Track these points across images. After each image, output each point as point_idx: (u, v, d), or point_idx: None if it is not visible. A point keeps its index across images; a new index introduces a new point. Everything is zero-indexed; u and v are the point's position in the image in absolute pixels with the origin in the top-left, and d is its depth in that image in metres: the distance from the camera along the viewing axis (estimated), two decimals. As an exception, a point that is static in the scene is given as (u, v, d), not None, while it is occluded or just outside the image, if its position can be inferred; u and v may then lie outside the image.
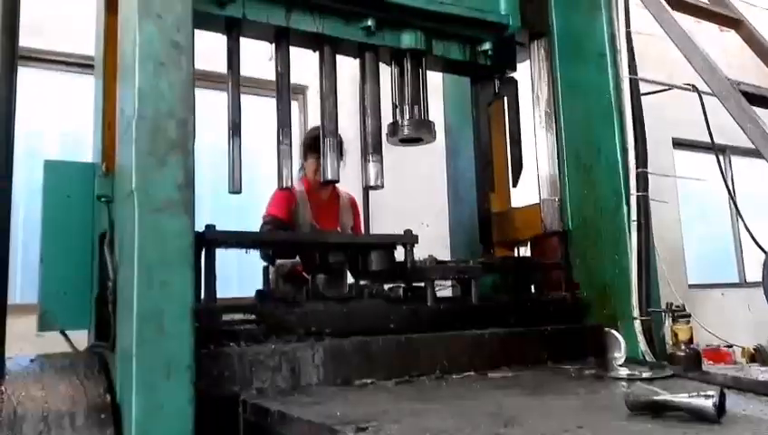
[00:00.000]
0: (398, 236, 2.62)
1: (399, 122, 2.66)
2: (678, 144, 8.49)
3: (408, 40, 2.61)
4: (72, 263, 2.22)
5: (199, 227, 1.94)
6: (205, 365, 1.72)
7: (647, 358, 2.29)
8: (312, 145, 3.45)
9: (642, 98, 2.54)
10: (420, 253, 2.55)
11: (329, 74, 2.56)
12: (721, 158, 8.45)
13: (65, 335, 2.29)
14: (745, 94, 1.98)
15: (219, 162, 2.64)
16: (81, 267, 2.21)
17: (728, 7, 2.67)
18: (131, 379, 1.53)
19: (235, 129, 2.39)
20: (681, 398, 1.37)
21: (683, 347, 2.16)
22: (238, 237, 2.33)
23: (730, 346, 6.03)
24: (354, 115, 2.74)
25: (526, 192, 3.06)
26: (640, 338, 2.32)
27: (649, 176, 2.45)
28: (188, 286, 1.63)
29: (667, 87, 2.68)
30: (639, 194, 2.42)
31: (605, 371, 2.05)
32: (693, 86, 2.59)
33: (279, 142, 2.46)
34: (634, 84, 2.50)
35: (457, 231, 3.38)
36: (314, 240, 2.62)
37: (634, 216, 2.41)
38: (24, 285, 4.79)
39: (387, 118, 2.70)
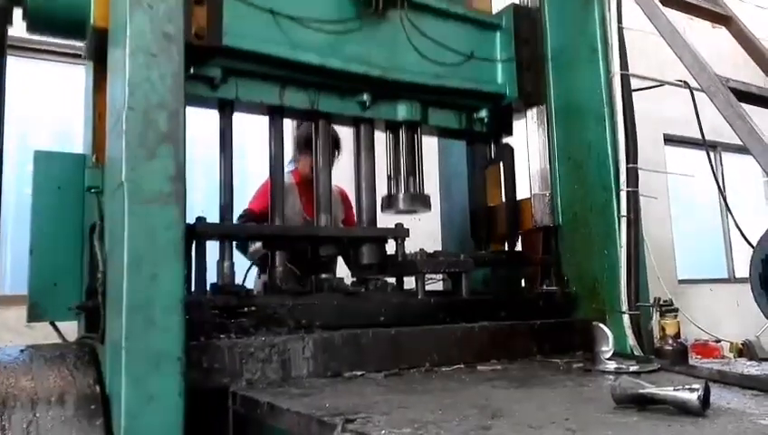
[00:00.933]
0: (389, 230, 2.63)
1: (395, 195, 2.68)
2: (669, 140, 8.53)
3: (403, 112, 2.62)
4: (61, 254, 2.22)
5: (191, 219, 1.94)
6: (195, 357, 1.72)
7: (635, 352, 2.31)
8: (307, 143, 3.44)
9: (633, 94, 2.55)
10: (411, 247, 2.56)
11: (323, 147, 2.54)
12: (711, 154, 8.51)
13: (55, 326, 2.29)
14: (734, 91, 1.99)
15: (211, 156, 2.63)
16: (71, 259, 2.20)
17: (718, 4, 2.69)
18: (121, 370, 1.53)
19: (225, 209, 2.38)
20: (666, 391, 1.39)
21: (670, 341, 2.19)
22: (229, 230, 2.33)
23: (718, 341, 6.09)
24: (350, 180, 2.74)
25: (518, 187, 3.07)
26: (629, 332, 2.34)
27: (639, 172, 2.47)
28: (178, 278, 1.63)
29: (658, 83, 2.69)
30: (629, 189, 2.44)
31: (593, 364, 2.07)
32: (684, 82, 2.60)
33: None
34: (625, 80, 2.51)
35: (448, 226, 3.39)
36: (305, 233, 2.62)
37: (624, 211, 2.43)
38: (13, 275, 4.78)
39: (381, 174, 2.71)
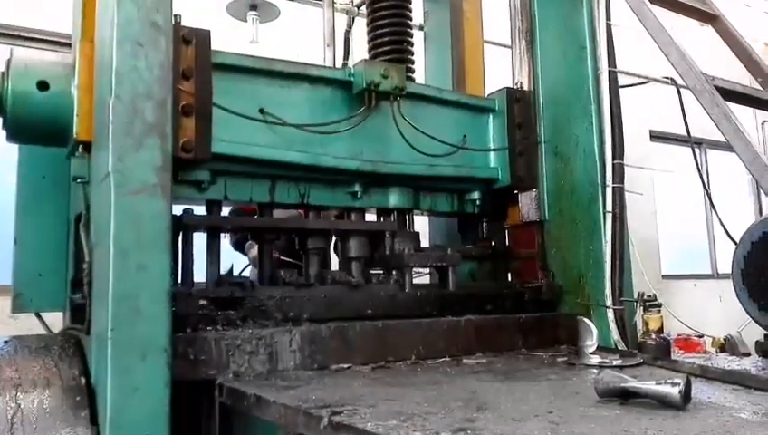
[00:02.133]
0: (378, 224, 2.63)
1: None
2: (655, 137, 8.60)
3: (395, 200, 2.59)
4: (46, 244, 2.20)
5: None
6: (181, 348, 1.72)
7: (618, 346, 2.33)
8: None
9: (620, 90, 2.56)
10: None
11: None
12: (697, 151, 8.59)
13: (40, 317, 2.28)
14: (720, 89, 2.02)
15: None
16: (57, 249, 2.19)
17: (705, 3, 2.71)
18: (107, 361, 1.53)
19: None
20: (649, 385, 1.41)
21: (653, 336, 2.21)
22: (216, 222, 2.32)
23: (701, 336, 6.16)
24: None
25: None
26: (613, 327, 2.37)
27: (625, 167, 2.49)
28: (165, 270, 1.63)
29: (645, 80, 2.72)
30: (615, 185, 2.45)
31: (577, 358, 2.09)
32: (671, 79, 2.62)
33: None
34: (612, 77, 2.52)
35: (436, 220, 3.40)
36: (294, 226, 2.62)
37: (609, 206, 2.44)
38: (-3, 266, 4.71)
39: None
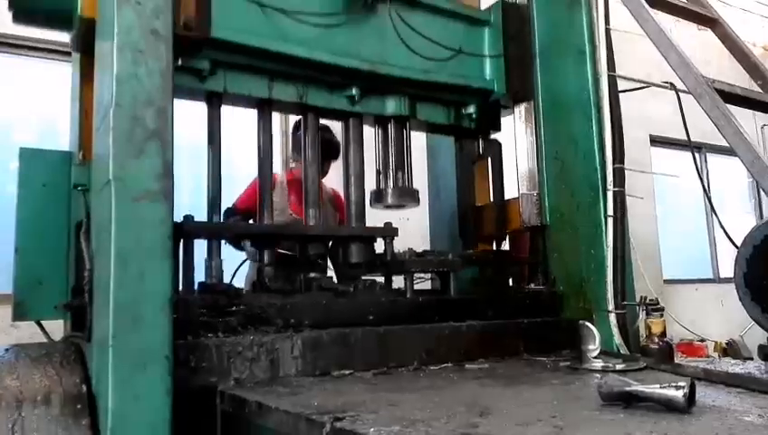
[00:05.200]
0: (378, 229, 2.63)
1: (384, 190, 2.69)
2: (655, 141, 8.60)
3: (392, 107, 2.63)
4: (47, 252, 2.19)
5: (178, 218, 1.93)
6: (182, 356, 1.71)
7: (621, 351, 2.33)
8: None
9: (621, 95, 2.57)
10: (400, 246, 2.56)
11: (312, 143, 2.53)
12: (697, 155, 8.59)
13: (41, 325, 2.27)
14: (720, 92, 2.01)
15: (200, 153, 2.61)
16: (57, 257, 2.18)
17: (705, 6, 2.71)
18: (108, 369, 1.52)
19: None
20: (652, 389, 1.41)
21: (656, 340, 2.21)
22: (217, 229, 2.32)
23: (703, 340, 6.16)
24: (340, 176, 2.74)
25: (506, 188, 3.08)
26: (615, 331, 2.36)
27: (626, 172, 2.49)
28: (166, 277, 1.62)
29: (645, 84, 2.72)
30: (616, 189, 2.45)
31: (580, 363, 2.08)
32: (671, 84, 2.63)
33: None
34: (612, 81, 2.53)
35: (437, 225, 3.40)
36: (294, 232, 2.61)
37: (610, 211, 2.44)
38: (-2, 274, 4.71)
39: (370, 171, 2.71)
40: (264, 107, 2.45)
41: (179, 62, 2.08)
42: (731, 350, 6.97)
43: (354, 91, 2.50)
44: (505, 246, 3.04)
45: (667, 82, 2.60)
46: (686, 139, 2.55)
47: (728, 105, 1.98)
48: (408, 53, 2.54)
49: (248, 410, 1.59)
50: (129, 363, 1.53)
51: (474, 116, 2.83)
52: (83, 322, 1.86)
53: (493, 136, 3.06)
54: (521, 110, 2.87)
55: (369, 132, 2.74)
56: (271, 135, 2.49)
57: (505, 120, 3.03)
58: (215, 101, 2.34)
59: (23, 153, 2.23)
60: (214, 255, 2.25)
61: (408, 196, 2.68)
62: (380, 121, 2.70)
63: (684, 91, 2.44)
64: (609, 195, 2.45)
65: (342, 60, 2.40)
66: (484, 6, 3.04)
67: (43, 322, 2.27)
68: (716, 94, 1.98)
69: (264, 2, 2.24)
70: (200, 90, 2.27)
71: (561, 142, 2.67)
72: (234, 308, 2.03)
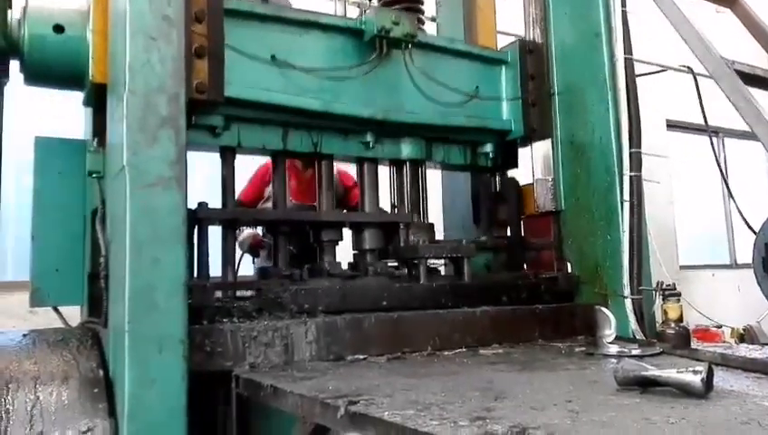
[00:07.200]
0: (392, 215, 2.62)
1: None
2: (672, 125, 8.50)
3: (408, 150, 2.57)
4: (63, 239, 2.22)
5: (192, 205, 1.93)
6: (198, 340, 1.72)
7: (637, 336, 2.31)
8: None
9: (637, 79, 2.53)
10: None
11: (327, 188, 2.49)
12: (714, 140, 8.48)
13: (58, 311, 2.30)
14: (740, 74, 1.98)
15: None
16: (73, 244, 2.20)
17: (724, -14, 2.67)
18: (124, 354, 1.53)
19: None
20: (669, 373, 1.39)
21: (672, 325, 2.18)
22: (231, 215, 2.32)
23: (719, 327, 6.10)
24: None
25: (521, 172, 3.06)
26: (631, 316, 2.34)
27: (643, 156, 2.46)
28: (181, 263, 1.63)
29: (662, 68, 2.68)
30: (633, 174, 2.42)
31: (595, 348, 2.07)
32: (688, 67, 2.59)
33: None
34: (629, 64, 2.49)
35: (451, 211, 3.38)
36: (308, 218, 2.61)
37: (626, 196, 2.41)
38: (15, 261, 4.79)
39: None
40: (279, 156, 2.42)
41: (193, 121, 2.05)
42: (747, 336, 6.90)
43: (369, 138, 2.46)
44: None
45: (684, 66, 2.56)
46: (703, 123, 2.51)
47: (750, 87, 1.95)
48: (424, 99, 2.49)
49: (263, 394, 1.60)
50: (145, 348, 1.55)
51: (490, 155, 2.79)
52: (100, 307, 1.88)
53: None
54: (539, 145, 2.80)
55: (384, 170, 2.71)
56: (285, 184, 2.46)
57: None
58: (228, 155, 2.30)
59: (38, 142, 2.25)
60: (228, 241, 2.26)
61: (424, 232, 2.59)
62: (396, 163, 2.65)
63: (701, 75, 2.40)
64: (626, 179, 2.42)
65: (356, 110, 2.35)
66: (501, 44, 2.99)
67: (60, 308, 2.30)
68: (737, 76, 1.95)
69: (277, 58, 2.20)
70: (214, 145, 2.24)
71: (578, 127, 2.64)
72: (249, 294, 2.04)
